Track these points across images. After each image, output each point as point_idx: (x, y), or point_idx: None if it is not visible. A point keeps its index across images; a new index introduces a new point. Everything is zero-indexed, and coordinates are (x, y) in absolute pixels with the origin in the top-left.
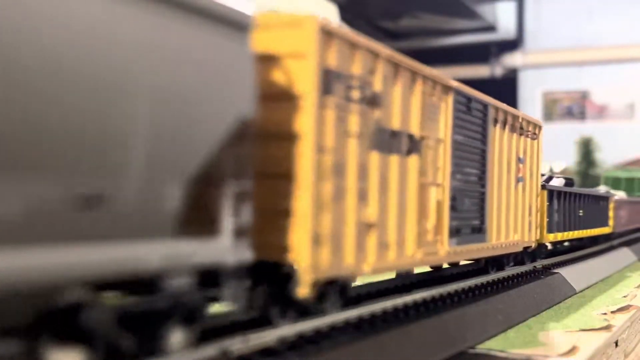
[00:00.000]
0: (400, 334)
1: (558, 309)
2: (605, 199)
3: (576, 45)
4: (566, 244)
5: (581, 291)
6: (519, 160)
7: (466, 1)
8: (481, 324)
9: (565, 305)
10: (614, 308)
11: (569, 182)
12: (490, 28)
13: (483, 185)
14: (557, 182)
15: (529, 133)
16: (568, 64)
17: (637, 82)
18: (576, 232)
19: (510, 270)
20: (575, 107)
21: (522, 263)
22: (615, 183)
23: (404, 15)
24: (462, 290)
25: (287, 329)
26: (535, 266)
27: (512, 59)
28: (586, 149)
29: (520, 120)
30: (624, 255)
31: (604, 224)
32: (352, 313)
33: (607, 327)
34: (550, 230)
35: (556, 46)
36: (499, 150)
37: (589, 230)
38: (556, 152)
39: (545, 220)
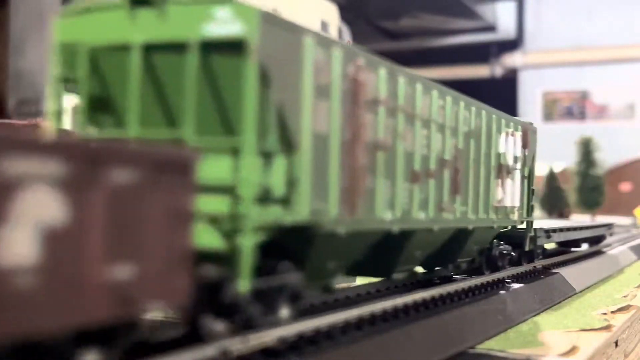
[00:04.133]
0: (400, 334)
1: (558, 309)
2: None
3: (576, 46)
4: None
5: (581, 291)
6: None
7: (466, 1)
8: (481, 324)
9: (565, 305)
10: (614, 308)
11: None
12: (490, 28)
13: None
14: None
15: None
16: (568, 64)
17: (637, 82)
18: None
19: (510, 270)
20: (575, 107)
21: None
22: None
23: (404, 15)
24: (462, 290)
25: (287, 329)
26: (535, 266)
27: (512, 59)
28: (586, 149)
29: None
30: (624, 255)
31: None
32: (352, 313)
33: (607, 327)
34: None
35: (556, 46)
36: None
37: None
38: (556, 153)
39: None
